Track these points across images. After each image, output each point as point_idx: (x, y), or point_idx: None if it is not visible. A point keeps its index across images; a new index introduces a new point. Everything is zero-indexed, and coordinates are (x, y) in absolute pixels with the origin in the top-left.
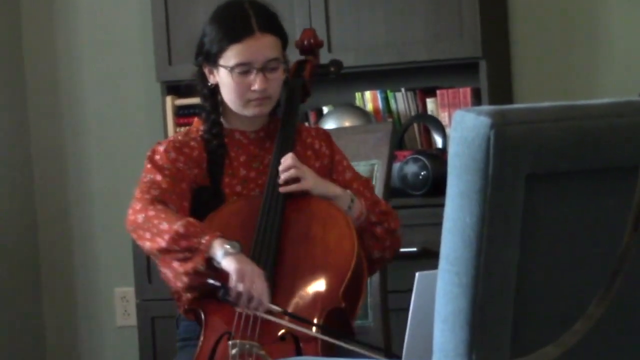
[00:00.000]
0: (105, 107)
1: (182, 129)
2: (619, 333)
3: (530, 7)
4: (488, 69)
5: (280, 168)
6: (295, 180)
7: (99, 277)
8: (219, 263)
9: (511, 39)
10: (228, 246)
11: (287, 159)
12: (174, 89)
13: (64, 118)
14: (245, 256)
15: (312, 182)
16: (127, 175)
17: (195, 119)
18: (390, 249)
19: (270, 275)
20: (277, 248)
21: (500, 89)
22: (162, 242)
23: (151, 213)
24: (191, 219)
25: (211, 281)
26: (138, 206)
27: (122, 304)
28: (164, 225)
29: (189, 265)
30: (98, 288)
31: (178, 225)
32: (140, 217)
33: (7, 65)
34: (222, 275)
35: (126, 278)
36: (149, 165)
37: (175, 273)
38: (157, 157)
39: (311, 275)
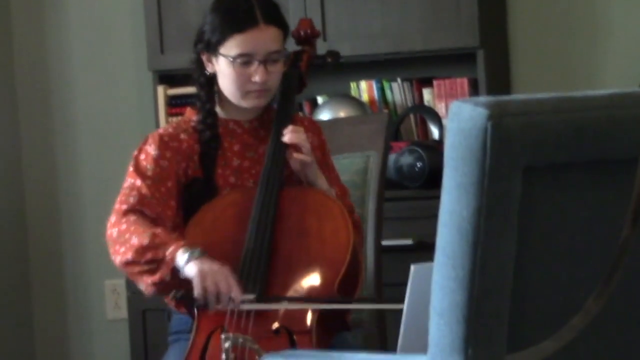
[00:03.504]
0: (96, 97)
1: (174, 119)
2: (617, 328)
3: None
4: (486, 59)
5: (291, 129)
6: (297, 151)
7: (89, 270)
8: (183, 273)
9: (509, 29)
10: (187, 254)
11: (301, 131)
12: (166, 78)
13: (54, 108)
14: (207, 258)
15: (310, 160)
16: (118, 166)
17: (188, 109)
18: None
19: (265, 267)
20: (271, 240)
21: (498, 80)
22: (129, 255)
23: (123, 227)
24: (158, 230)
25: (175, 294)
26: (113, 219)
27: (112, 297)
28: (133, 239)
29: (156, 277)
30: (88, 280)
31: (143, 237)
32: (114, 232)
33: None
34: (190, 284)
35: (117, 270)
36: (131, 169)
37: (144, 285)
38: (142, 157)
39: (306, 268)
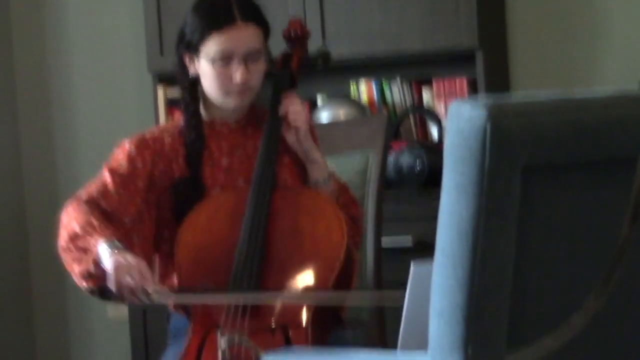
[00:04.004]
0: (96, 98)
1: (165, 123)
2: (617, 326)
3: None
4: (485, 59)
5: (286, 102)
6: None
7: None
8: (103, 264)
9: (508, 29)
10: (107, 245)
11: (296, 104)
12: (166, 80)
13: (54, 110)
14: (125, 252)
15: (304, 129)
16: None
17: (177, 112)
18: (351, 238)
19: (259, 268)
20: (265, 240)
21: (497, 80)
22: (63, 242)
23: (71, 212)
24: (94, 220)
25: (87, 286)
26: (70, 203)
27: None
28: (73, 224)
29: (82, 266)
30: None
31: (78, 225)
32: (64, 216)
33: None
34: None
35: None
36: (105, 166)
37: (74, 274)
38: (118, 152)
39: (300, 267)
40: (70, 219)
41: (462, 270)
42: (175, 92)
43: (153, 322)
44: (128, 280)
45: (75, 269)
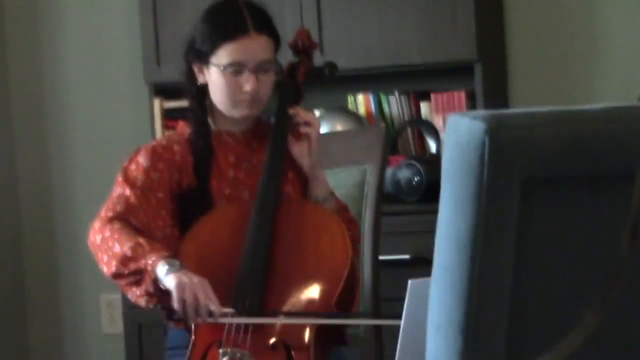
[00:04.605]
0: (91, 109)
1: (169, 133)
2: (616, 343)
3: (526, 9)
4: (483, 71)
5: (305, 119)
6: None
7: (84, 284)
8: (163, 285)
9: (507, 41)
10: (167, 266)
11: (316, 120)
12: (162, 91)
13: (49, 120)
14: (186, 271)
15: (316, 141)
16: (113, 179)
17: (180, 123)
18: None
19: (262, 283)
20: (268, 255)
21: (495, 93)
22: (113, 267)
23: (107, 234)
24: (142, 240)
25: (154, 305)
26: (97, 225)
27: (108, 311)
28: (116, 248)
29: (141, 289)
30: (83, 295)
31: (127, 247)
32: (98, 238)
33: None
34: (170, 296)
35: (112, 284)
36: (120, 178)
37: (133, 297)
38: (132, 167)
39: (304, 283)
40: (109, 242)
41: (460, 284)
42: (171, 104)
43: (148, 337)
44: (194, 299)
45: (136, 292)
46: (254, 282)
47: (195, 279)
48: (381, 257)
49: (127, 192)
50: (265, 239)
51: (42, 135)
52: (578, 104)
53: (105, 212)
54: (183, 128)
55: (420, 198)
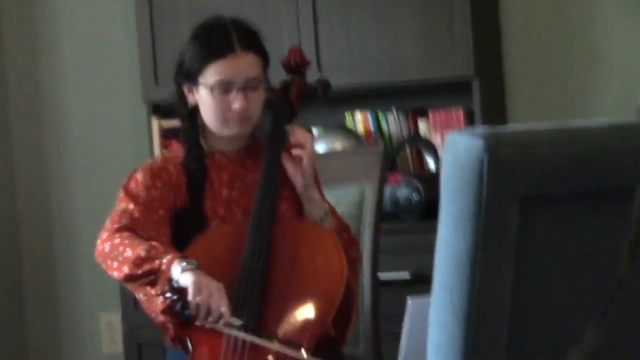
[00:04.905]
0: (90, 128)
1: (164, 153)
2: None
3: (523, 26)
4: (481, 88)
5: (299, 139)
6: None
7: (84, 303)
8: (177, 282)
9: (504, 58)
10: (185, 263)
11: (310, 140)
12: (161, 110)
13: (47, 139)
14: (203, 272)
15: (308, 163)
16: (112, 198)
17: (173, 143)
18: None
19: (258, 302)
20: (264, 273)
21: (493, 109)
22: (126, 269)
23: (116, 241)
24: (155, 243)
25: (168, 294)
26: (105, 235)
27: (108, 331)
28: (128, 252)
29: (157, 288)
30: (83, 314)
31: (140, 249)
32: (107, 246)
33: None
34: (184, 293)
35: (112, 303)
36: (122, 194)
37: (150, 297)
38: (132, 185)
39: (300, 301)
40: (120, 248)
41: (459, 302)
42: (169, 123)
43: (148, 356)
44: (209, 297)
45: (151, 292)
46: (251, 300)
47: (214, 282)
48: (381, 276)
49: (131, 206)
50: (261, 257)
51: (41, 154)
52: (576, 120)
53: (111, 224)
54: (176, 148)
55: (419, 216)
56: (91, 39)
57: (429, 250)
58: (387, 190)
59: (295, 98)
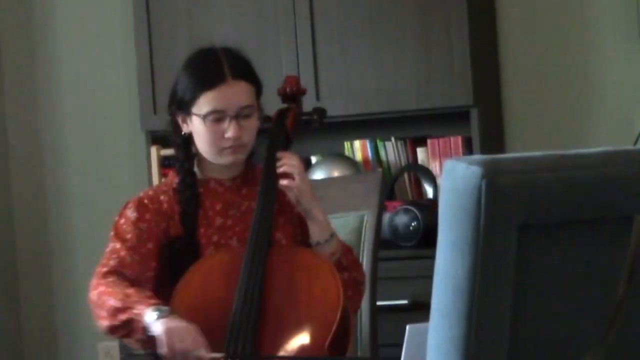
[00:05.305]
0: (89, 156)
1: (161, 182)
2: None
3: (521, 55)
4: (479, 117)
5: (283, 160)
6: (288, 177)
7: (81, 331)
8: (152, 330)
9: (503, 87)
10: (156, 313)
11: (293, 156)
12: (159, 138)
13: (46, 169)
14: (174, 317)
15: (299, 189)
16: (110, 226)
17: (170, 172)
18: (352, 299)
19: (254, 329)
20: (260, 300)
21: (491, 138)
22: (106, 321)
23: (102, 289)
24: (130, 290)
25: (144, 338)
26: (94, 282)
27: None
28: (109, 301)
29: (135, 337)
30: (81, 343)
31: (116, 300)
32: (95, 295)
33: None
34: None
35: None
36: (112, 233)
37: (135, 346)
38: (122, 221)
39: (296, 327)
40: (104, 297)
41: (458, 330)
42: (168, 151)
43: None
44: (180, 344)
45: (132, 342)
46: (247, 327)
47: (184, 324)
48: (379, 303)
49: (118, 245)
50: (257, 285)
51: (40, 183)
52: (574, 148)
53: (100, 267)
54: (172, 177)
55: (417, 243)
56: (91, 67)
57: (427, 277)
58: (386, 218)
59: (291, 126)
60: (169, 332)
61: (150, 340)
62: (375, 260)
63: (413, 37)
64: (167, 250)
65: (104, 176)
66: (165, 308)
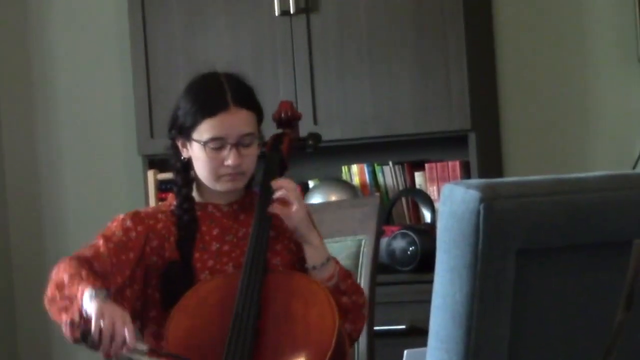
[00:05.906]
0: (86, 180)
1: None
2: None
3: (519, 80)
4: (477, 141)
5: (278, 184)
6: (284, 204)
7: (77, 347)
8: (85, 310)
9: (500, 111)
10: (93, 292)
11: (290, 182)
12: (156, 162)
13: (43, 193)
14: (111, 302)
15: (296, 215)
16: None
17: (170, 195)
18: (354, 323)
19: (250, 354)
20: (256, 325)
21: (490, 162)
22: (49, 292)
23: (61, 266)
24: (84, 272)
25: (76, 319)
26: (60, 263)
27: None
28: (62, 275)
29: (69, 315)
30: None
31: (66, 276)
32: (54, 271)
33: None
34: (89, 321)
35: None
36: (100, 234)
37: (62, 324)
38: (114, 224)
39: (292, 354)
40: (60, 272)
41: (455, 355)
42: (165, 175)
43: None
44: (111, 326)
45: (63, 318)
46: (242, 354)
47: (118, 310)
48: (376, 327)
49: (100, 243)
50: (252, 311)
51: (36, 208)
52: (573, 172)
53: (75, 252)
54: (171, 200)
55: (415, 268)
56: (88, 91)
57: (425, 301)
58: (383, 242)
59: (286, 151)
60: (101, 311)
61: (80, 322)
62: (373, 284)
63: (410, 61)
64: (164, 274)
65: (101, 201)
66: (104, 291)
